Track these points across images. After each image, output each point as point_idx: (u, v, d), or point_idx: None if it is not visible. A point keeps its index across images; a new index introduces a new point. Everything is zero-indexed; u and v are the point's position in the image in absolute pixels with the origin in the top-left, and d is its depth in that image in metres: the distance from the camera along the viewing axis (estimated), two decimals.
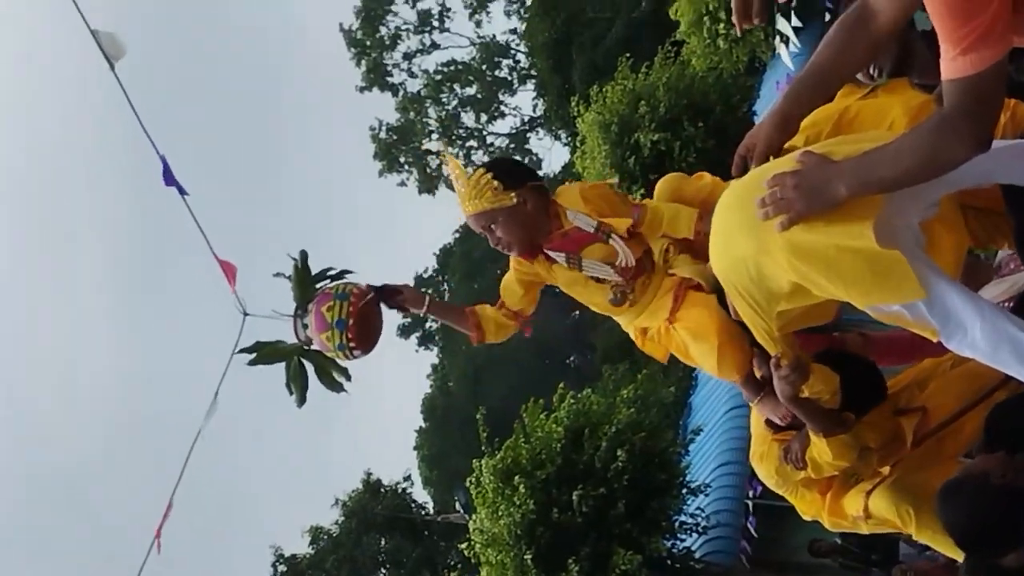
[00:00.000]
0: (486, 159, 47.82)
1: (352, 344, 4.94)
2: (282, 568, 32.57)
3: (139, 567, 6.43)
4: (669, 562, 15.62)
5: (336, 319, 4.90)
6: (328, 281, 5.16)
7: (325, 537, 32.96)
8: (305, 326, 5.02)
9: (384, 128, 47.81)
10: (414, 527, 33.52)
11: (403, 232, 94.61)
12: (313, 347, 5.05)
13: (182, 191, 5.92)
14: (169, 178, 5.85)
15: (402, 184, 48.72)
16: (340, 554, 32.14)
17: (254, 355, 5.18)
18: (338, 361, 5.12)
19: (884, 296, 3.68)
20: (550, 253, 4.96)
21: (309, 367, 5.18)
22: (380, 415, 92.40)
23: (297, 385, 5.18)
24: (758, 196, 3.82)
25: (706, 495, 16.90)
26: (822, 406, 4.53)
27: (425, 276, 48.61)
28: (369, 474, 33.95)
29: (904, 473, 4.85)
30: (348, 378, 5.24)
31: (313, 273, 5.17)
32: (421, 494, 38.65)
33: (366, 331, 5.01)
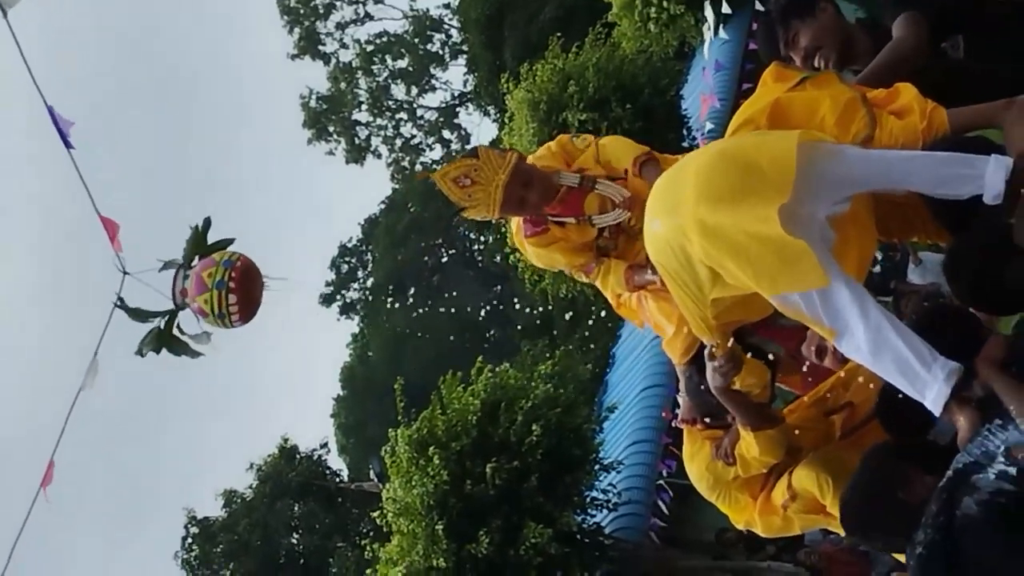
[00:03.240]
0: (415, 132, 47.81)
1: (232, 306, 5.05)
2: (194, 530, 32.39)
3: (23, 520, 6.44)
4: (579, 537, 15.68)
5: (216, 280, 5.00)
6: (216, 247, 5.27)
7: (239, 501, 32.82)
8: (186, 277, 5.10)
9: (314, 97, 47.50)
10: (328, 494, 33.45)
11: (329, 202, 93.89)
12: (185, 307, 5.11)
13: (67, 143, 5.83)
14: (58, 128, 5.74)
15: (330, 153, 48.49)
16: (253, 518, 32.01)
17: (130, 309, 5.27)
18: (207, 330, 5.21)
19: (789, 284, 3.80)
20: (558, 219, 5.11)
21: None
22: (299, 383, 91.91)
23: (152, 343, 5.26)
24: (683, 180, 3.97)
25: (618, 472, 17.02)
26: (752, 400, 4.65)
27: (349, 246, 48.38)
28: (286, 440, 33.85)
29: (826, 450, 4.92)
30: (207, 339, 5.33)
31: (209, 243, 5.25)
32: (337, 462, 38.58)
33: (247, 298, 5.12)
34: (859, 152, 4.07)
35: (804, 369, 5.13)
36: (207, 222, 5.29)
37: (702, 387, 4.76)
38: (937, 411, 3.76)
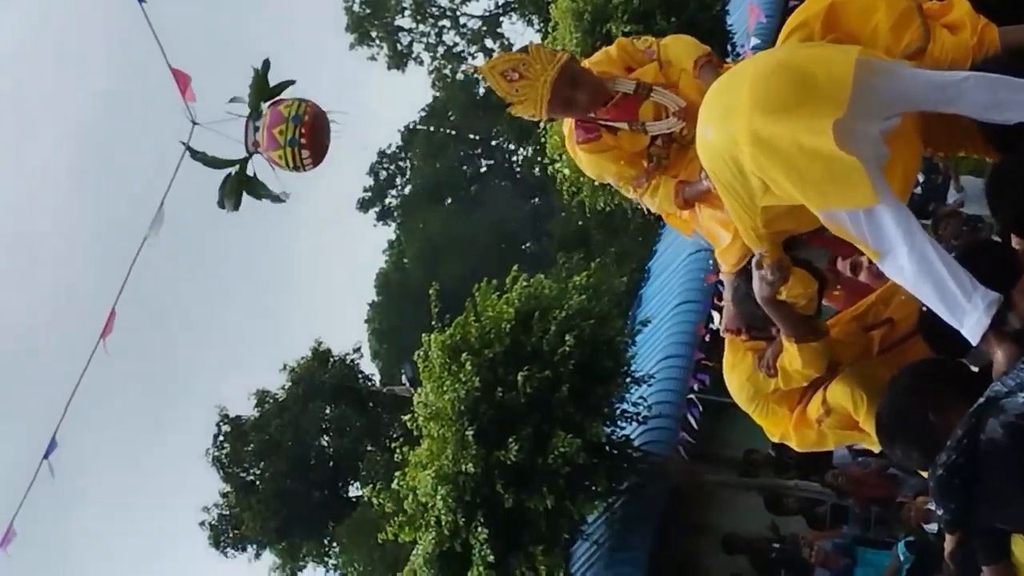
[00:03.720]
0: (458, 40, 47.47)
1: (306, 160, 5.17)
2: (226, 428, 32.68)
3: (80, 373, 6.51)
4: (607, 448, 15.78)
5: (288, 138, 5.08)
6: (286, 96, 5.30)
7: (271, 401, 33.06)
8: (256, 129, 5.16)
9: (358, 1, 47.18)
10: (360, 398, 33.65)
11: (369, 107, 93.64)
12: (257, 155, 5.20)
13: None
14: None
15: (372, 59, 48.23)
16: (284, 419, 32.24)
17: (200, 153, 5.33)
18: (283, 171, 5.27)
19: (839, 200, 3.79)
20: (611, 124, 5.06)
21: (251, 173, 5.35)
22: (334, 288, 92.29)
23: (233, 190, 5.33)
24: (738, 87, 3.93)
25: (649, 385, 17.06)
26: (797, 311, 4.61)
27: (388, 152, 48.30)
28: (319, 343, 34.04)
29: (862, 365, 4.89)
30: (287, 195, 5.42)
31: (272, 86, 5.29)
32: (369, 367, 38.80)
33: (318, 147, 5.19)
34: (913, 71, 4.04)
35: (838, 287, 5.12)
36: (266, 64, 5.33)
37: (749, 297, 4.74)
38: (975, 341, 3.76)
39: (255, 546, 32.14)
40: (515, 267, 16.48)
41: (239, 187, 5.35)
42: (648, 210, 5.46)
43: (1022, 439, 3.52)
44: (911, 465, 4.20)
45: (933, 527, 11.21)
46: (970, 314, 3.74)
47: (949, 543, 4.40)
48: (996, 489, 3.63)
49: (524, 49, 5.09)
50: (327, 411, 33.52)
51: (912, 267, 3.78)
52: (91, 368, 6.53)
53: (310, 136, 5.11)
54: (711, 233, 5.05)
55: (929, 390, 3.98)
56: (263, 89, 5.26)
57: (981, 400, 3.66)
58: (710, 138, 4.07)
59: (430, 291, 16.35)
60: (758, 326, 4.94)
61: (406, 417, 15.66)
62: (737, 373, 5.10)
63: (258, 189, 5.38)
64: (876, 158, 3.87)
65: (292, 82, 5.37)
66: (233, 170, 5.31)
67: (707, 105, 4.15)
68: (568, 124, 5.28)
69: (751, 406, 5.14)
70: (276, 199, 5.41)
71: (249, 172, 5.34)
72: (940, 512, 3.89)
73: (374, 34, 47.67)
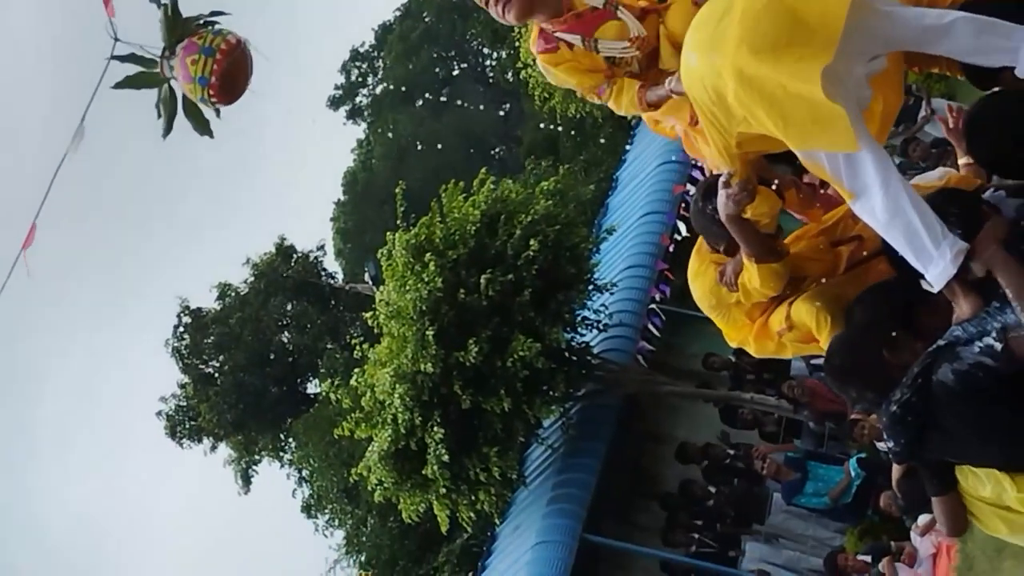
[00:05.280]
0: None
1: (214, 99, 4.97)
2: (186, 319, 32.59)
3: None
4: (567, 354, 15.90)
5: (199, 75, 4.90)
6: (202, 25, 5.09)
7: (233, 295, 32.94)
8: (171, 67, 5.01)
9: None
10: (322, 294, 33.59)
11: (343, 4, 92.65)
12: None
13: None
14: None
15: None
16: (246, 312, 32.13)
17: (123, 78, 5.17)
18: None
19: (820, 142, 3.80)
20: (565, 37, 4.98)
21: (179, 99, 5.16)
22: (301, 184, 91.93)
23: (166, 111, 5.17)
24: (727, 19, 3.89)
25: (611, 294, 17.17)
26: (760, 230, 4.61)
27: (361, 51, 47.82)
28: (283, 239, 33.89)
29: (829, 285, 4.90)
30: (217, 115, 5.25)
31: (185, 17, 5.11)
32: (333, 265, 38.69)
33: (229, 89, 5.00)
34: (900, 12, 4.01)
35: (816, 204, 5.11)
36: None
37: (702, 212, 4.76)
38: (938, 287, 3.80)
39: (211, 438, 32.14)
40: (483, 170, 16.42)
41: (169, 110, 5.20)
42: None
43: (973, 387, 3.60)
44: (864, 405, 4.24)
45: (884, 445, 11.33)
46: (936, 261, 3.77)
47: (897, 472, 4.47)
48: (945, 428, 3.71)
49: None
50: (288, 307, 33.43)
51: (884, 211, 3.81)
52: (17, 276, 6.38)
53: (220, 75, 4.89)
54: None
55: (884, 328, 4.04)
56: (175, 24, 5.08)
57: (941, 343, 3.71)
58: (693, 64, 4.06)
59: (396, 190, 16.31)
60: (711, 242, 4.97)
61: (367, 315, 15.68)
62: (700, 282, 5.12)
63: (193, 115, 5.22)
64: (858, 100, 3.88)
65: (202, 16, 5.18)
66: (161, 91, 5.16)
67: (694, 31, 4.12)
68: (533, 32, 5.23)
69: (713, 313, 5.17)
70: (203, 131, 5.26)
71: (178, 95, 5.17)
72: (891, 444, 3.95)
73: None
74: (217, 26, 5.10)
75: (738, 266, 4.84)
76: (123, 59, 5.15)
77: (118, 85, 5.21)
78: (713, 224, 4.76)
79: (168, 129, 5.23)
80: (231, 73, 4.95)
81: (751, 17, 3.88)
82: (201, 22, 5.10)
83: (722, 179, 4.42)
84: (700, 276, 5.13)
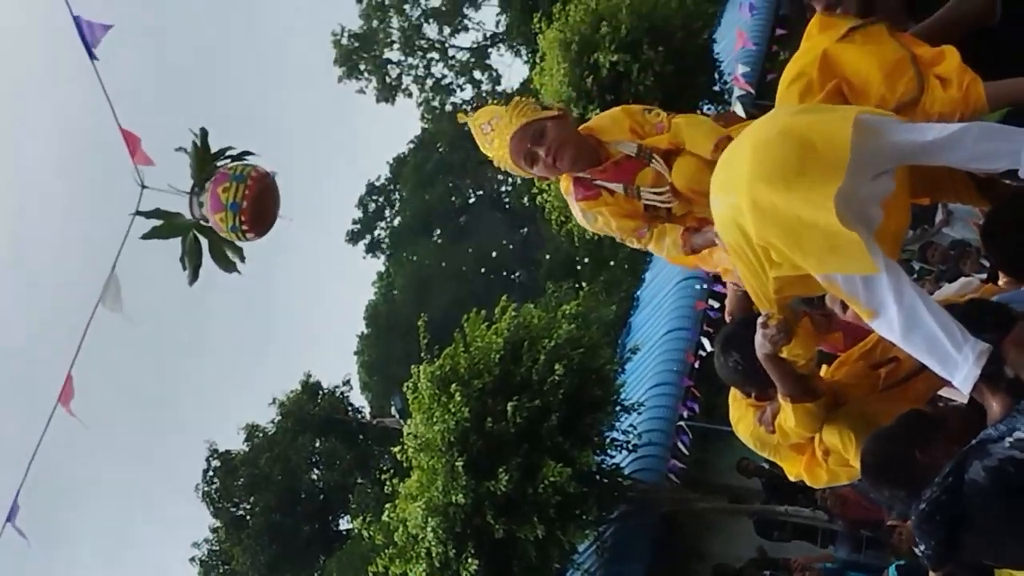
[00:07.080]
0: (446, 72, 47.61)
1: (245, 227, 5.01)
2: (215, 463, 32.60)
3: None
4: (598, 477, 15.77)
5: (231, 201, 4.95)
6: (228, 161, 5.17)
7: (260, 435, 32.99)
8: (201, 204, 5.06)
9: (346, 34, 47.32)
10: (349, 430, 33.63)
11: (358, 139, 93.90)
12: (208, 225, 5.10)
13: (92, 55, 5.75)
14: (83, 38, 5.66)
15: (361, 92, 48.39)
16: (274, 452, 32.19)
17: (149, 229, 5.24)
18: (233, 242, 5.19)
19: (837, 267, 3.83)
20: (606, 184, 5.04)
21: (205, 245, 5.23)
22: (323, 321, 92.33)
23: (191, 261, 5.23)
24: (740, 157, 3.95)
25: (639, 414, 17.03)
26: (796, 370, 4.64)
27: (377, 184, 48.38)
28: (308, 376, 34.00)
29: (855, 403, 4.92)
30: (242, 259, 5.30)
31: (213, 151, 5.19)
32: (359, 399, 38.76)
33: (260, 215, 5.06)
34: (904, 127, 4.05)
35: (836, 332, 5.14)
36: (203, 133, 5.20)
37: (726, 367, 4.89)
38: (966, 391, 3.77)
39: None
40: (504, 297, 16.47)
41: (194, 260, 5.26)
42: None
43: (1004, 482, 3.54)
44: (898, 506, 4.21)
45: None
46: (960, 366, 3.75)
47: None
48: (980, 528, 3.65)
49: (508, 100, 5.12)
50: (316, 444, 33.49)
51: (902, 323, 3.80)
52: (61, 428, 6.43)
53: (252, 200, 4.95)
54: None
55: (922, 429, 4.03)
56: (205, 160, 5.17)
57: (973, 442, 3.68)
58: (719, 208, 4.10)
59: (419, 323, 16.36)
60: (741, 390, 5.08)
61: (396, 449, 15.61)
62: (742, 427, 5.20)
63: (219, 255, 5.28)
64: (870, 219, 3.90)
65: (231, 149, 5.24)
66: (187, 240, 5.22)
67: (715, 176, 4.19)
68: (565, 182, 5.27)
69: (763, 452, 5.26)
70: (229, 269, 5.32)
71: (203, 241, 5.24)
72: (923, 547, 3.90)
73: (363, 67, 47.82)
74: (246, 159, 5.20)
75: (776, 409, 4.89)
76: (148, 215, 5.24)
77: (145, 236, 5.30)
78: (737, 375, 4.87)
79: (194, 277, 5.30)
80: (262, 199, 5.03)
81: (761, 150, 3.92)
82: (229, 156, 5.19)
83: (760, 319, 4.43)
84: (741, 421, 5.22)
